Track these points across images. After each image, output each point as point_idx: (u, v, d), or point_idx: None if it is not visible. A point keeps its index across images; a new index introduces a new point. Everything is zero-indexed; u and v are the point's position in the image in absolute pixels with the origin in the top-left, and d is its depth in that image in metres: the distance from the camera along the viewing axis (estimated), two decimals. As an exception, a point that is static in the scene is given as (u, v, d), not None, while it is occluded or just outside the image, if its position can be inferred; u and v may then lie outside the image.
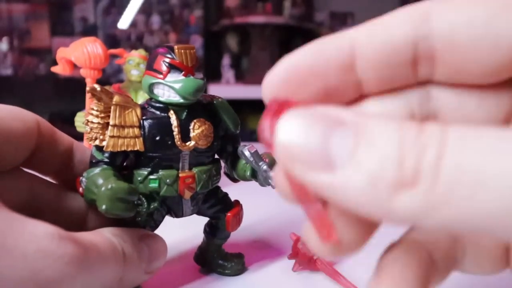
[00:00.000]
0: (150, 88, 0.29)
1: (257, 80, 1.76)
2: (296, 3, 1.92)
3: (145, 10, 1.92)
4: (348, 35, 0.17)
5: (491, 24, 0.15)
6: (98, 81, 0.39)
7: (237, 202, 0.34)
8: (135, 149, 0.28)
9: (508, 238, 0.12)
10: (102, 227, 0.26)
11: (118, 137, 0.27)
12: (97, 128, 0.27)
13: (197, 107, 0.30)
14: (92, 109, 0.27)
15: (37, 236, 0.21)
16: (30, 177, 0.28)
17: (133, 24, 1.91)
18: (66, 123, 0.52)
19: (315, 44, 0.17)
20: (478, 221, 0.12)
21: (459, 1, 0.16)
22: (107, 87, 0.29)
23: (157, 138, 0.28)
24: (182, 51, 0.28)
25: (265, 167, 0.29)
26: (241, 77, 1.91)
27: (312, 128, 0.14)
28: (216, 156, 0.32)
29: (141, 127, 0.28)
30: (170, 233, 0.32)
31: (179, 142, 0.28)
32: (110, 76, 1.76)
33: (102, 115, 0.27)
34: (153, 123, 0.28)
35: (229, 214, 0.33)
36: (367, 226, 0.16)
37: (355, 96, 0.18)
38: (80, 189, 0.27)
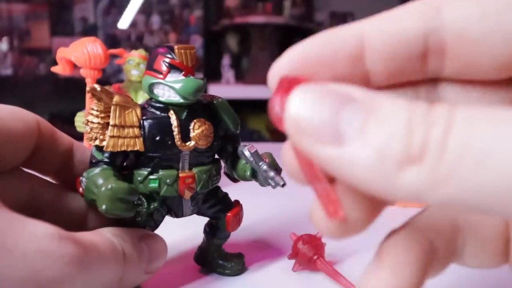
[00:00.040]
0: (150, 88, 0.29)
1: (257, 80, 1.77)
2: (296, 3, 1.92)
3: (145, 10, 1.92)
4: (358, 26, 0.17)
5: (503, 17, 0.15)
6: (98, 81, 0.39)
7: (237, 202, 0.34)
8: (135, 149, 0.28)
9: (508, 216, 0.13)
10: (102, 227, 0.26)
11: (118, 137, 0.27)
12: (97, 128, 0.27)
13: (197, 107, 0.30)
14: (92, 109, 0.27)
15: (37, 236, 0.21)
16: (30, 177, 0.28)
17: (133, 24, 1.91)
18: (66, 123, 0.52)
19: (325, 34, 0.17)
20: (480, 197, 0.12)
21: None
22: (107, 87, 0.29)
23: (157, 138, 0.28)
24: (182, 51, 0.28)
25: (265, 167, 0.29)
26: (241, 77, 1.91)
27: (323, 102, 0.14)
28: (216, 156, 0.32)
29: (141, 127, 0.28)
30: (170, 233, 0.32)
31: (179, 142, 0.28)
32: (110, 76, 1.76)
33: (102, 115, 0.27)
34: (153, 123, 0.28)
35: (229, 214, 0.33)
36: (373, 206, 0.17)
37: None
38: (80, 189, 0.27)
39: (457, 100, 0.18)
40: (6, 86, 1.82)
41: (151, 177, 0.29)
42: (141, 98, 0.52)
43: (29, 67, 1.87)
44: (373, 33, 0.17)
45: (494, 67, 0.16)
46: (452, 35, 0.16)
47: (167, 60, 0.28)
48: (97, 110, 0.27)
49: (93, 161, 0.28)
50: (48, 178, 0.30)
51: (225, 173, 0.34)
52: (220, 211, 0.33)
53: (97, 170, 0.27)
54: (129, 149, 0.27)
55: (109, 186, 0.25)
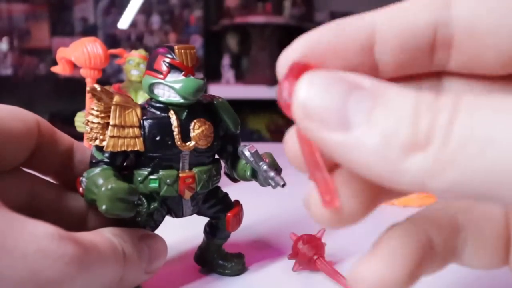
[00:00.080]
0: (150, 88, 0.29)
1: (257, 80, 1.77)
2: (296, 3, 1.92)
3: (145, 10, 1.92)
4: (369, 17, 0.17)
5: (510, 13, 0.15)
6: (98, 81, 0.39)
7: (237, 202, 0.34)
8: (135, 149, 0.28)
9: (510, 202, 0.13)
10: (102, 227, 0.26)
11: (118, 137, 0.27)
12: (97, 128, 0.27)
13: (197, 107, 0.30)
14: (92, 109, 0.27)
15: (37, 236, 0.21)
16: (30, 177, 0.28)
17: (133, 24, 1.91)
18: (66, 123, 0.52)
19: (336, 23, 0.17)
20: (482, 182, 0.12)
21: None
22: (107, 87, 0.29)
23: (157, 138, 0.28)
24: (182, 51, 0.28)
25: (265, 167, 0.29)
26: (241, 77, 1.91)
27: (331, 89, 0.14)
28: (216, 156, 0.32)
29: (141, 127, 0.28)
30: (170, 233, 0.32)
31: (179, 142, 0.28)
32: (110, 76, 1.76)
33: (102, 115, 0.27)
34: (153, 123, 0.28)
35: (229, 214, 0.33)
36: (370, 198, 0.17)
37: None
38: (80, 189, 0.27)
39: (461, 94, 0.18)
40: (6, 86, 1.82)
41: (151, 177, 0.29)
42: (141, 98, 0.52)
43: (29, 67, 1.87)
44: (384, 24, 0.17)
45: (499, 62, 0.16)
46: (459, 29, 0.16)
47: (167, 60, 0.28)
48: (97, 110, 0.27)
49: (93, 161, 0.28)
50: (48, 178, 0.30)
51: (225, 173, 0.34)
52: (220, 211, 0.33)
53: (97, 170, 0.27)
54: (129, 149, 0.27)
55: (109, 186, 0.25)
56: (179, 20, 1.95)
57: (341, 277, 0.32)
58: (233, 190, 0.35)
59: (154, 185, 0.29)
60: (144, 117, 0.28)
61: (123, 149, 0.27)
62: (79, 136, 0.41)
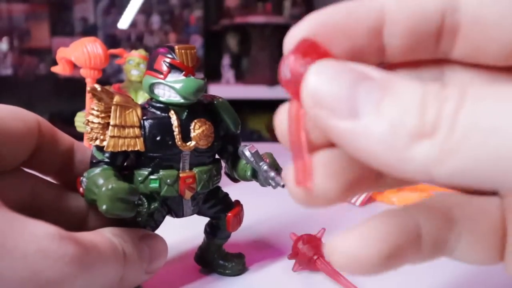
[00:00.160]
0: (151, 88, 0.29)
1: (257, 80, 1.77)
2: (296, 3, 1.92)
3: (145, 10, 1.92)
4: None
5: None
6: (98, 81, 0.39)
7: (237, 202, 0.34)
8: (136, 149, 0.28)
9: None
10: (102, 227, 0.26)
11: (119, 137, 0.27)
12: (97, 128, 0.27)
13: (198, 107, 0.30)
14: (93, 109, 0.27)
15: (38, 236, 0.21)
16: (30, 177, 0.28)
17: (133, 24, 1.91)
18: (66, 123, 0.52)
19: (347, 4, 0.17)
20: (485, 169, 0.13)
21: None
22: (107, 87, 0.29)
23: (158, 138, 0.28)
24: (183, 51, 0.28)
25: (265, 167, 0.29)
26: (241, 77, 1.91)
27: (341, 78, 0.14)
28: (217, 156, 0.32)
29: (141, 127, 0.28)
30: (171, 233, 0.32)
31: (179, 142, 0.28)
32: (110, 76, 1.76)
33: (103, 115, 0.27)
34: (153, 123, 0.28)
35: (229, 214, 0.33)
36: (349, 182, 0.17)
37: (376, 63, 0.18)
38: (81, 189, 0.27)
39: (462, 84, 0.18)
40: (6, 86, 1.82)
41: (152, 177, 0.29)
42: (141, 98, 0.52)
43: (29, 67, 1.87)
44: (394, 7, 0.17)
45: (503, 53, 0.16)
46: (466, 17, 0.17)
47: (168, 60, 0.28)
48: (97, 110, 0.27)
49: (94, 161, 0.28)
50: (48, 178, 0.30)
51: (226, 173, 0.34)
52: (220, 211, 0.33)
53: (97, 170, 0.27)
54: (130, 149, 0.27)
55: (110, 186, 0.25)
56: (179, 20, 1.95)
57: (341, 277, 0.32)
58: (233, 190, 0.35)
59: (154, 185, 0.29)
60: (144, 117, 0.28)
61: (123, 149, 0.27)
62: (79, 136, 0.41)
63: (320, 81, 0.15)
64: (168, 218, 0.32)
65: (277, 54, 1.77)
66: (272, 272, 0.35)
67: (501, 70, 0.17)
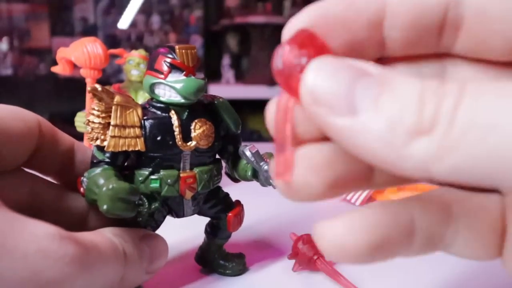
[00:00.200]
0: (151, 88, 0.29)
1: (257, 80, 1.77)
2: (296, 3, 1.92)
3: (145, 10, 1.91)
4: None
5: None
6: (98, 81, 0.39)
7: (238, 202, 0.34)
8: (136, 149, 0.28)
9: (510, 187, 0.13)
10: (103, 227, 0.26)
11: (119, 137, 0.27)
12: (98, 128, 0.27)
13: (198, 107, 0.30)
14: (93, 109, 0.27)
15: (38, 236, 0.21)
16: (31, 177, 0.28)
17: (133, 24, 1.91)
18: (66, 123, 0.52)
19: None
20: (484, 167, 0.13)
21: None
22: (107, 87, 0.29)
23: (158, 138, 0.28)
24: (183, 51, 0.28)
25: (266, 167, 0.29)
26: (241, 77, 1.91)
27: (339, 75, 0.14)
28: (217, 156, 0.32)
29: (142, 127, 0.28)
30: (171, 233, 0.31)
31: (180, 142, 0.28)
32: (110, 76, 1.76)
33: (103, 115, 0.27)
34: (154, 123, 0.28)
35: (230, 214, 0.33)
36: (335, 179, 0.17)
37: (375, 57, 0.18)
38: (81, 189, 0.27)
39: (464, 80, 0.18)
40: (6, 86, 1.82)
41: (152, 177, 0.29)
42: (141, 98, 0.52)
43: (29, 67, 1.87)
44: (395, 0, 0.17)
45: (506, 49, 0.16)
46: (470, 11, 0.16)
47: (168, 60, 0.28)
48: (98, 110, 0.27)
49: (94, 161, 0.28)
50: (49, 178, 0.30)
51: (226, 173, 0.34)
52: (221, 211, 0.33)
53: (98, 170, 0.27)
54: (130, 149, 0.27)
55: (110, 186, 0.25)
56: (179, 20, 1.95)
57: (341, 277, 0.32)
58: (234, 190, 0.35)
59: (155, 185, 0.29)
60: (145, 117, 0.28)
61: (124, 149, 0.27)
62: (79, 136, 0.41)
63: (319, 78, 0.14)
64: (168, 218, 0.32)
65: (277, 54, 1.76)
66: (272, 272, 0.35)
67: (505, 65, 0.17)
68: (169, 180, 0.29)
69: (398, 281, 0.33)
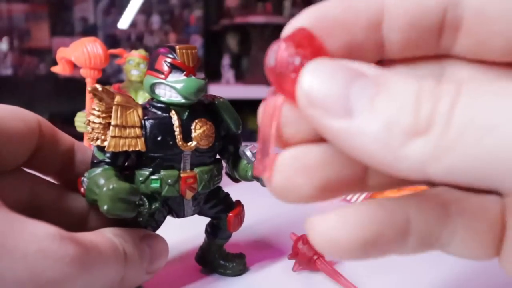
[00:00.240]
0: (152, 88, 0.29)
1: (257, 80, 1.77)
2: (296, 3, 1.92)
3: (145, 10, 1.92)
4: None
5: None
6: (98, 81, 0.39)
7: (238, 202, 0.34)
8: (137, 149, 0.27)
9: (508, 188, 0.13)
10: (103, 227, 0.26)
11: (120, 137, 0.27)
12: (98, 128, 0.27)
13: (199, 107, 0.30)
14: (94, 109, 0.27)
15: (38, 236, 0.21)
16: (31, 178, 0.28)
17: (133, 24, 1.91)
18: (66, 123, 0.52)
19: None
20: (481, 167, 0.12)
21: None
22: (107, 87, 0.29)
23: (159, 138, 0.28)
24: (184, 51, 0.28)
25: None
26: (241, 77, 1.91)
27: (334, 77, 0.14)
28: (218, 156, 0.32)
29: (142, 127, 0.28)
30: (172, 233, 0.31)
31: (180, 142, 0.28)
32: (110, 76, 1.76)
33: (104, 115, 0.27)
34: (154, 123, 0.28)
35: (230, 214, 0.33)
36: (325, 182, 0.17)
37: (374, 59, 0.18)
38: (82, 190, 0.27)
39: (463, 80, 0.18)
40: (6, 86, 1.82)
41: (153, 177, 0.29)
42: (141, 98, 0.52)
43: (29, 67, 1.87)
44: (394, 1, 0.17)
45: (506, 49, 0.16)
46: (469, 12, 0.16)
47: (169, 60, 0.28)
48: (98, 110, 0.27)
49: (95, 161, 0.28)
50: (49, 178, 0.30)
51: (227, 173, 0.34)
52: (221, 211, 0.33)
53: (98, 170, 0.27)
54: (131, 149, 0.27)
55: (111, 187, 0.25)
56: (179, 20, 1.95)
57: (341, 277, 0.32)
58: (234, 190, 0.35)
59: (155, 185, 0.29)
60: (145, 117, 0.28)
61: (124, 149, 0.27)
62: (79, 136, 0.41)
63: (314, 81, 0.14)
64: (169, 218, 0.32)
65: (277, 54, 1.76)
66: (272, 272, 0.35)
67: (505, 66, 0.17)
68: (169, 180, 0.29)
69: (398, 281, 0.33)
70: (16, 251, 0.20)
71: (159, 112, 0.29)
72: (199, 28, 1.96)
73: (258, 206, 0.42)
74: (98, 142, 0.27)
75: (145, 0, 1.89)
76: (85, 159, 0.30)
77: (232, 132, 0.31)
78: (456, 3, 0.16)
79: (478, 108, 0.13)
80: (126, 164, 0.29)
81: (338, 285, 0.32)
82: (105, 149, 0.27)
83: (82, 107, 0.51)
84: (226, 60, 1.90)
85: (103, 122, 0.27)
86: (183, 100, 0.28)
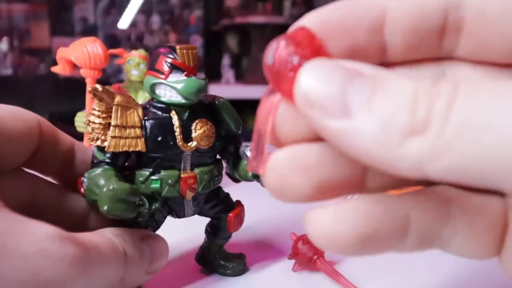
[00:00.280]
0: (152, 88, 0.29)
1: (257, 80, 1.77)
2: (296, 3, 1.92)
3: (145, 10, 1.91)
4: None
5: None
6: (98, 81, 0.39)
7: (238, 203, 0.34)
8: (137, 149, 0.27)
9: (506, 187, 0.13)
10: (103, 228, 0.26)
11: (120, 137, 0.27)
12: (98, 129, 0.27)
13: (199, 107, 0.30)
14: (94, 109, 0.27)
15: (38, 236, 0.21)
16: (31, 178, 0.28)
17: (133, 24, 1.91)
18: (66, 123, 0.52)
19: (347, 1, 0.17)
20: (479, 167, 0.12)
21: None
22: (107, 87, 0.29)
23: (159, 138, 0.28)
24: (184, 51, 0.28)
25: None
26: (241, 77, 1.91)
27: (332, 77, 0.14)
28: (218, 157, 0.32)
29: (142, 127, 0.28)
30: (172, 234, 0.31)
31: (181, 143, 0.28)
32: (110, 76, 1.76)
33: (104, 115, 0.27)
34: (154, 123, 0.28)
35: (230, 214, 0.33)
36: (322, 182, 0.17)
37: (377, 63, 0.18)
38: (82, 190, 0.27)
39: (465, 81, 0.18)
40: (6, 86, 1.82)
41: (153, 177, 0.29)
42: (141, 98, 0.52)
43: (29, 67, 1.87)
44: (395, 4, 0.17)
45: (507, 50, 0.16)
46: (470, 13, 0.16)
47: (169, 60, 0.28)
48: (98, 111, 0.27)
49: (95, 161, 0.28)
50: (49, 179, 0.30)
51: (227, 174, 0.34)
52: (221, 211, 0.33)
53: (98, 170, 0.27)
54: (131, 149, 0.27)
55: (111, 187, 0.25)
56: (179, 20, 1.94)
57: (341, 277, 0.32)
58: (234, 190, 0.35)
59: (155, 185, 0.29)
60: (145, 118, 0.28)
61: (124, 149, 0.27)
62: (79, 136, 0.41)
63: (311, 81, 0.14)
64: (169, 219, 0.32)
65: (277, 54, 1.76)
66: (272, 272, 0.35)
67: (506, 67, 0.17)
68: (169, 181, 0.29)
69: (398, 281, 0.33)
70: (16, 252, 0.20)
71: (160, 112, 0.29)
72: (199, 28, 1.96)
73: (258, 206, 0.42)
74: (98, 142, 0.27)
75: (145, 0, 1.89)
76: (85, 159, 0.30)
77: (233, 132, 0.31)
78: (457, 6, 0.16)
79: (476, 107, 0.12)
80: (126, 164, 0.29)
81: (338, 285, 0.32)
82: (105, 149, 0.27)
83: (82, 107, 0.51)
84: (226, 60, 1.89)
85: (103, 122, 0.27)
86: (183, 100, 0.28)
